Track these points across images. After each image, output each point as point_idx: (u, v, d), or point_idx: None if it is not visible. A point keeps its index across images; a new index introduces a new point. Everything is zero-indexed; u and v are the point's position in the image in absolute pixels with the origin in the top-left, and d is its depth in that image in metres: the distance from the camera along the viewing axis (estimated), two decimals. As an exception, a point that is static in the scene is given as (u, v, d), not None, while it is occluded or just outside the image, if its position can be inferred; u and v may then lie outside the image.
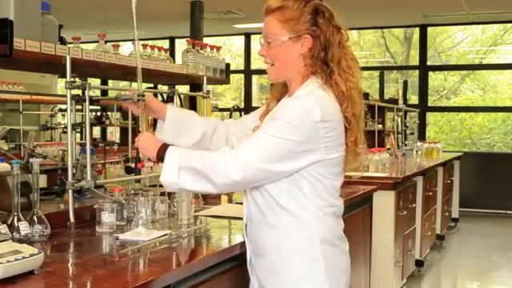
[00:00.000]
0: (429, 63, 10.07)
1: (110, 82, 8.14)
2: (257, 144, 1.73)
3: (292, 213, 1.79)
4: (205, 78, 3.10)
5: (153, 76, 3.01)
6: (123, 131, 7.77)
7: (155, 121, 2.19)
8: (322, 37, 1.81)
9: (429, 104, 10.02)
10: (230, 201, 2.99)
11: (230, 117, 3.57)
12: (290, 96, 1.88)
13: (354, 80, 1.83)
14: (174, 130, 2.05)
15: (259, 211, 1.84)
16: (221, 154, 1.75)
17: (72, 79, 2.20)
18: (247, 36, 10.58)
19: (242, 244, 2.08)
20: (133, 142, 3.00)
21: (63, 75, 2.26)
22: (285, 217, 1.80)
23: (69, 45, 2.44)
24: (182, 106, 3.17)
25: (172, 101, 2.84)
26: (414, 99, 10.13)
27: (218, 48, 3.45)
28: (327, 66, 1.81)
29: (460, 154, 8.18)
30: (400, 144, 8.02)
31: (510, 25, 10.62)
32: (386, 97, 9.07)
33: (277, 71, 1.87)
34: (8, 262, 1.52)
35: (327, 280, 1.81)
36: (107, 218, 2.22)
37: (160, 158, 1.81)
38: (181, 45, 10.95)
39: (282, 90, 1.95)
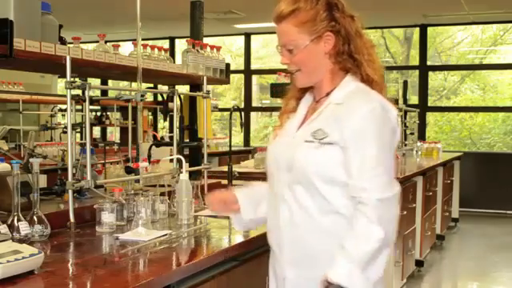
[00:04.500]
0: (429, 63, 10.07)
1: (110, 82, 8.15)
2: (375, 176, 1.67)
3: (346, 216, 1.70)
4: (205, 78, 3.10)
5: (153, 76, 3.01)
6: (123, 131, 7.78)
7: (155, 121, 2.19)
8: (342, 30, 1.75)
9: (429, 104, 10.01)
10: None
11: (230, 117, 3.56)
12: (319, 95, 1.82)
13: (377, 67, 1.80)
14: (250, 207, 1.99)
15: (306, 215, 1.74)
16: (360, 223, 1.65)
17: (72, 79, 2.20)
18: (247, 36, 10.58)
19: (242, 244, 2.08)
20: (133, 142, 3.02)
21: (63, 75, 2.26)
22: (343, 222, 1.70)
23: (69, 45, 2.44)
24: (181, 105, 3.17)
25: (172, 101, 2.84)
26: (414, 99, 10.12)
27: (218, 48, 3.45)
28: (353, 58, 1.77)
29: (460, 154, 8.17)
30: (400, 144, 8.02)
31: (510, 25, 10.61)
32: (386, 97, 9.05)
33: (305, 76, 1.80)
34: (8, 261, 1.52)
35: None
36: (107, 217, 2.22)
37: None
38: (181, 45, 10.95)
39: (302, 89, 1.89)
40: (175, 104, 2.85)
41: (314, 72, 1.80)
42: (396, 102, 8.29)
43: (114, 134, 8.67)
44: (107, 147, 3.15)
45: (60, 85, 9.38)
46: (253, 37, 10.70)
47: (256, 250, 2.24)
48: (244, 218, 2.00)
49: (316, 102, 1.85)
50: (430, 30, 9.76)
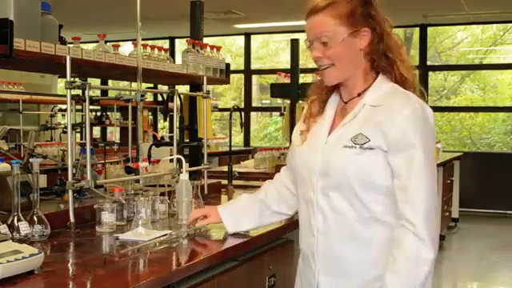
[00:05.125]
0: (429, 63, 10.07)
1: (110, 82, 8.15)
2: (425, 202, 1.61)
3: (389, 224, 1.66)
4: (205, 78, 3.10)
5: (153, 76, 3.01)
6: (123, 131, 7.79)
7: (155, 121, 2.20)
8: (378, 28, 1.71)
9: (429, 104, 9.94)
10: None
11: (230, 117, 3.57)
12: (349, 95, 1.77)
13: (409, 67, 1.76)
14: (235, 222, 2.09)
15: (343, 223, 1.69)
16: (410, 243, 1.59)
17: (72, 79, 2.20)
18: (247, 36, 10.58)
19: (242, 244, 2.08)
20: (133, 142, 3.02)
21: (63, 75, 2.26)
22: (380, 229, 1.67)
23: (69, 45, 2.44)
24: (181, 105, 3.17)
25: (172, 101, 2.84)
26: (414, 99, 10.11)
27: (218, 48, 3.45)
28: (386, 57, 1.73)
29: (460, 153, 8.17)
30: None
31: (510, 25, 10.61)
32: (386, 97, 9.05)
33: (338, 71, 1.72)
34: (8, 261, 1.52)
35: None
36: (107, 217, 2.22)
37: None
38: (181, 45, 10.95)
39: (326, 90, 1.83)
40: (175, 104, 2.85)
41: (348, 68, 1.72)
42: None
43: (113, 134, 8.68)
44: (107, 147, 3.15)
45: (60, 85, 9.38)
46: (253, 37, 10.70)
47: (256, 250, 2.24)
48: (230, 232, 2.10)
49: (345, 103, 1.78)
50: (430, 30, 9.76)
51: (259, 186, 2.15)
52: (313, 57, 1.73)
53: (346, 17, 1.68)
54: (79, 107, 2.96)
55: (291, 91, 5.43)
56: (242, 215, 2.08)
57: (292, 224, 2.37)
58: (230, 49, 12.40)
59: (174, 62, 3.21)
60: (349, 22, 1.68)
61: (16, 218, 1.90)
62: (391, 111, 1.66)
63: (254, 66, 10.89)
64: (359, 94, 1.75)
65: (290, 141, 2.00)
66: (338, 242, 1.71)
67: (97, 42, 2.73)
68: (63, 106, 7.43)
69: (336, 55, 1.69)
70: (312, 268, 1.77)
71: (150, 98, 6.97)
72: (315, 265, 1.75)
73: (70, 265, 1.79)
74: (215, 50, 3.42)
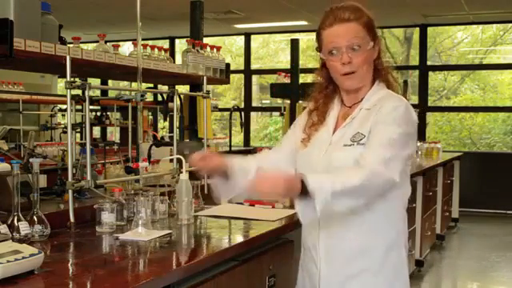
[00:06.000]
0: (429, 63, 10.06)
1: (110, 82, 8.15)
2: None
3: (380, 211, 1.81)
4: (205, 78, 3.11)
5: (153, 76, 3.02)
6: (123, 131, 7.78)
7: (155, 121, 2.20)
8: (380, 42, 1.89)
9: (429, 104, 10.01)
10: (230, 201, 2.98)
11: (230, 117, 3.57)
12: (354, 100, 1.90)
13: (395, 77, 1.94)
14: (242, 173, 1.94)
15: (342, 215, 1.78)
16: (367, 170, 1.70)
17: (72, 79, 2.20)
18: (247, 36, 10.57)
19: (242, 244, 2.08)
20: (133, 142, 3.02)
21: (63, 75, 2.26)
22: (372, 218, 1.82)
23: (69, 45, 2.45)
24: (181, 105, 3.18)
25: (172, 101, 2.84)
26: (414, 99, 10.12)
27: (218, 48, 3.45)
28: (384, 70, 1.91)
29: (460, 153, 8.17)
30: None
31: (510, 25, 10.61)
32: (386, 97, 9.03)
33: (360, 78, 1.85)
34: (8, 261, 1.52)
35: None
36: (107, 217, 2.22)
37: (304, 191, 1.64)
38: (181, 45, 10.95)
39: (327, 99, 1.95)
40: (175, 104, 2.85)
41: (366, 75, 1.87)
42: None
43: (113, 133, 8.67)
44: (107, 147, 3.15)
45: (60, 85, 9.38)
46: (253, 37, 10.69)
47: (256, 250, 2.24)
48: (240, 181, 1.91)
49: (349, 107, 1.92)
50: (430, 29, 9.76)
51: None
52: (343, 61, 1.82)
53: (370, 28, 1.84)
54: (79, 107, 2.95)
55: (291, 91, 5.42)
56: (241, 180, 1.93)
57: (292, 224, 2.38)
58: (230, 49, 12.40)
59: (174, 62, 3.21)
60: (372, 33, 1.84)
61: (16, 218, 1.90)
62: (382, 109, 1.82)
63: (254, 66, 10.88)
64: (362, 99, 1.89)
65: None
66: (337, 232, 1.83)
67: (97, 42, 2.73)
68: (63, 106, 7.43)
69: (361, 62, 1.83)
70: (314, 258, 1.88)
71: (150, 98, 6.98)
72: (317, 255, 1.87)
73: (69, 265, 1.79)
74: (215, 49, 3.42)
